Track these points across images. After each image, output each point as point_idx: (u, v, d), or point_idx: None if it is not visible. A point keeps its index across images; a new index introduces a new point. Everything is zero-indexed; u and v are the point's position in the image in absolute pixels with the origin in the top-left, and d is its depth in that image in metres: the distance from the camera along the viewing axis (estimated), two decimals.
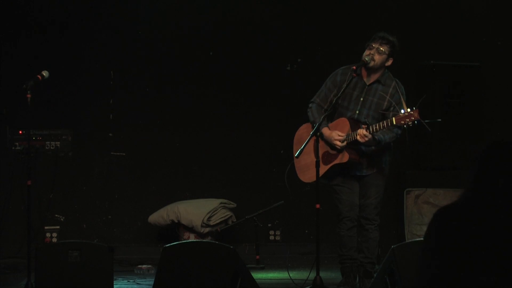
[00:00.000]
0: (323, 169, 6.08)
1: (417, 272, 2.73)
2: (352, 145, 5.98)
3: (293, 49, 8.38)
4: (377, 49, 6.01)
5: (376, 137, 5.88)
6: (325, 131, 6.06)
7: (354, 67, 5.94)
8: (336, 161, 6.06)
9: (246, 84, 8.38)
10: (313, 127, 6.05)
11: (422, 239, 6.26)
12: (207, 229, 7.84)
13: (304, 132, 6.31)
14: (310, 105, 6.27)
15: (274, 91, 8.36)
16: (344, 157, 6.01)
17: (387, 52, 6.02)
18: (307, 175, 6.22)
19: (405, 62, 7.13)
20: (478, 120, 7.95)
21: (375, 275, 5.86)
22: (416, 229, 7.61)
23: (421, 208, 7.66)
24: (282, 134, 8.09)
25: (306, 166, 6.22)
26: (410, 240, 6.89)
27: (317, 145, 5.81)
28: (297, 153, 5.90)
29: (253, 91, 8.38)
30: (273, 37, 8.38)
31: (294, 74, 8.38)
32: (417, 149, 7.92)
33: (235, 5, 8.38)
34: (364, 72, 6.11)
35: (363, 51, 6.06)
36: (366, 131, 5.80)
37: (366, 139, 5.82)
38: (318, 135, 5.81)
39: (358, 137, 5.84)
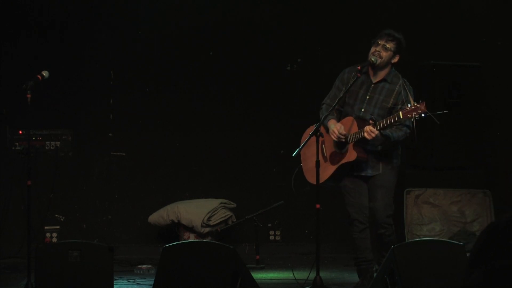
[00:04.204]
0: (332, 169, 6.04)
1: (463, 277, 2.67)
2: (359, 143, 5.95)
3: (293, 49, 8.37)
4: (383, 46, 5.98)
5: (383, 133, 5.83)
6: (331, 122, 6.00)
7: (359, 67, 5.92)
8: (344, 160, 6.01)
9: (246, 84, 8.37)
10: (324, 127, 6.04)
11: (422, 239, 6.24)
12: (207, 229, 7.84)
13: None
14: (321, 106, 6.25)
15: (274, 91, 8.35)
16: (352, 155, 5.95)
17: (393, 49, 5.99)
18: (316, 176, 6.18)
19: (405, 62, 7.11)
20: (478, 120, 7.94)
21: (375, 275, 5.84)
22: (416, 229, 7.60)
23: (421, 208, 7.65)
24: (282, 134, 8.10)
25: (314, 168, 6.18)
26: (410, 240, 6.90)
27: (317, 145, 5.79)
28: (294, 153, 5.87)
29: (253, 91, 8.37)
30: (273, 37, 8.37)
31: (294, 74, 8.37)
32: (417, 149, 7.91)
33: (235, 5, 8.38)
34: (370, 71, 6.07)
35: (368, 49, 6.04)
36: (373, 127, 5.78)
37: (373, 135, 5.75)
38: (318, 135, 5.79)
39: (365, 134, 5.78)
